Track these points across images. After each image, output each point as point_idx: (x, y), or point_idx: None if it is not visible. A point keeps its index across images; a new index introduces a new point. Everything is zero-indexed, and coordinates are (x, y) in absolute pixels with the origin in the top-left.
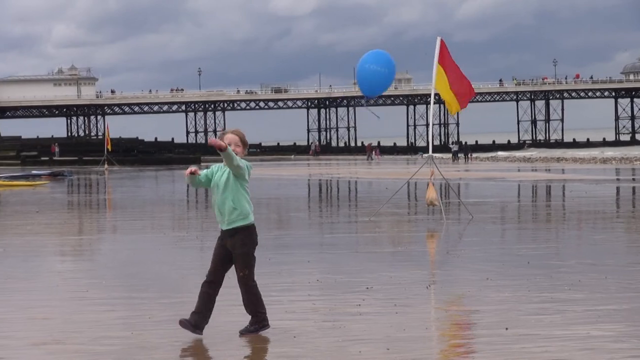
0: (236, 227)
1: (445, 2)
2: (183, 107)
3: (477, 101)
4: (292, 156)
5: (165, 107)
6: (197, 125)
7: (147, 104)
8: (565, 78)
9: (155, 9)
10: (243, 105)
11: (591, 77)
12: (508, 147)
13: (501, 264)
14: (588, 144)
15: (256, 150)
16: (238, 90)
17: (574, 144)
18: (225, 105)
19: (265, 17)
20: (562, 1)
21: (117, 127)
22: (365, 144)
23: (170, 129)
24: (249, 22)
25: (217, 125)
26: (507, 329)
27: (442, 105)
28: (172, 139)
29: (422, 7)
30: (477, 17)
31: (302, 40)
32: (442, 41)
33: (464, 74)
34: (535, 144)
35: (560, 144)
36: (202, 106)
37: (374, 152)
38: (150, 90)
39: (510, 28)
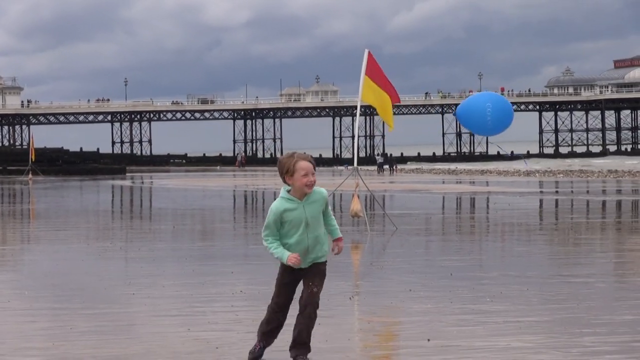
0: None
1: (377, 14)
2: (109, 117)
3: (403, 113)
4: (218, 167)
5: (90, 117)
6: (122, 136)
7: (72, 113)
8: (509, 91)
9: (88, 18)
10: (169, 115)
11: (529, 90)
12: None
13: (424, 276)
14: (512, 157)
15: (182, 161)
16: (151, 100)
17: (499, 157)
18: (152, 115)
19: (198, 28)
20: (494, 15)
21: (43, 137)
22: None
23: (96, 139)
24: (182, 32)
25: (142, 135)
26: (429, 340)
27: (367, 117)
28: (98, 149)
29: (353, 19)
30: (408, 30)
31: (234, 51)
32: (370, 53)
33: (390, 83)
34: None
35: (485, 157)
36: (128, 116)
37: None
38: (79, 100)
39: (441, 41)
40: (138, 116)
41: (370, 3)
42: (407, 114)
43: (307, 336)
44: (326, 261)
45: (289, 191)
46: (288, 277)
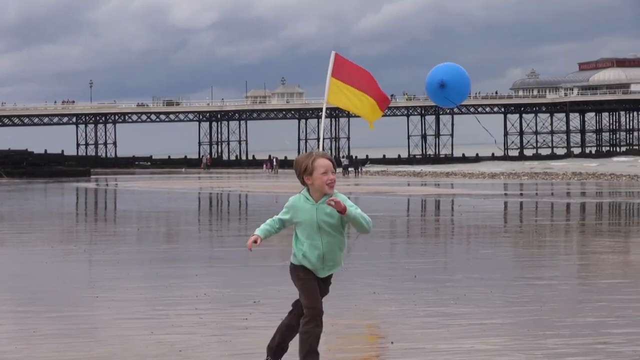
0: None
1: (343, 16)
2: (74, 119)
3: None
4: (183, 169)
5: (55, 119)
6: (87, 138)
7: (37, 115)
8: (474, 94)
9: (54, 20)
10: (135, 117)
11: (496, 93)
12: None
13: (388, 278)
14: (477, 159)
15: (147, 163)
16: (114, 101)
17: (464, 159)
18: (117, 117)
19: (164, 29)
20: (460, 17)
21: (7, 139)
22: (257, 157)
23: (61, 141)
24: (148, 33)
25: (107, 137)
26: (392, 342)
27: (333, 120)
28: (62, 151)
29: (319, 21)
30: (375, 32)
31: (200, 52)
32: (337, 55)
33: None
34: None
35: (450, 159)
36: (93, 118)
37: (265, 165)
38: (45, 102)
39: (407, 43)
40: (103, 118)
41: (337, 5)
42: None
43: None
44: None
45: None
46: (313, 281)
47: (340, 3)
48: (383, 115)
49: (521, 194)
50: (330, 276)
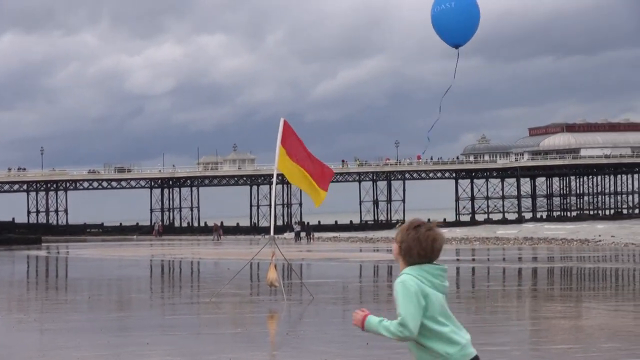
0: None
1: (300, 82)
2: (25, 187)
3: None
4: (135, 236)
5: (6, 187)
6: (38, 205)
7: None
8: (425, 159)
9: (10, 86)
10: (86, 184)
11: (457, 158)
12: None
13: (341, 345)
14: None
15: (98, 230)
16: (54, 169)
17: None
18: (68, 184)
19: (121, 96)
20: (416, 83)
21: None
22: (209, 224)
23: (12, 208)
24: (104, 100)
25: (58, 205)
26: None
27: (285, 186)
28: (13, 218)
29: (275, 87)
30: (331, 97)
31: (155, 119)
32: (285, 122)
33: (310, 154)
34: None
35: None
36: (44, 185)
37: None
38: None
39: (362, 109)
40: (54, 185)
41: (294, 71)
42: None
43: None
44: None
45: None
46: None
47: (297, 69)
48: (334, 181)
49: (473, 259)
50: None
